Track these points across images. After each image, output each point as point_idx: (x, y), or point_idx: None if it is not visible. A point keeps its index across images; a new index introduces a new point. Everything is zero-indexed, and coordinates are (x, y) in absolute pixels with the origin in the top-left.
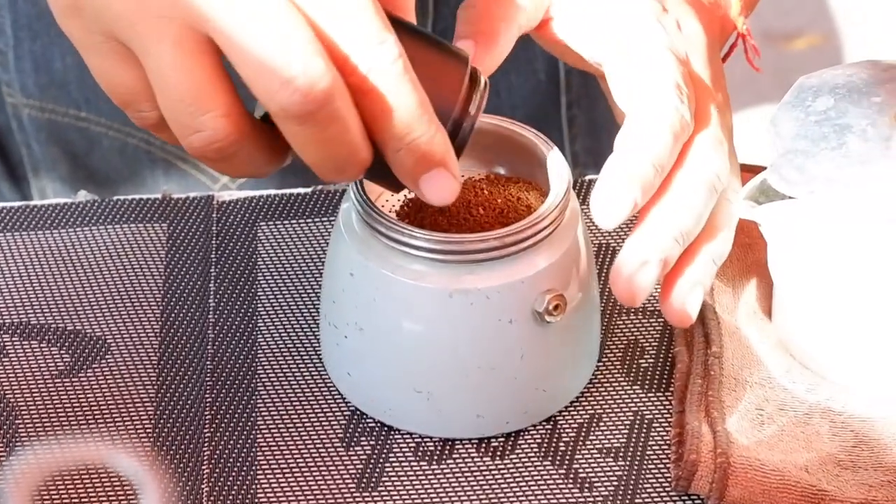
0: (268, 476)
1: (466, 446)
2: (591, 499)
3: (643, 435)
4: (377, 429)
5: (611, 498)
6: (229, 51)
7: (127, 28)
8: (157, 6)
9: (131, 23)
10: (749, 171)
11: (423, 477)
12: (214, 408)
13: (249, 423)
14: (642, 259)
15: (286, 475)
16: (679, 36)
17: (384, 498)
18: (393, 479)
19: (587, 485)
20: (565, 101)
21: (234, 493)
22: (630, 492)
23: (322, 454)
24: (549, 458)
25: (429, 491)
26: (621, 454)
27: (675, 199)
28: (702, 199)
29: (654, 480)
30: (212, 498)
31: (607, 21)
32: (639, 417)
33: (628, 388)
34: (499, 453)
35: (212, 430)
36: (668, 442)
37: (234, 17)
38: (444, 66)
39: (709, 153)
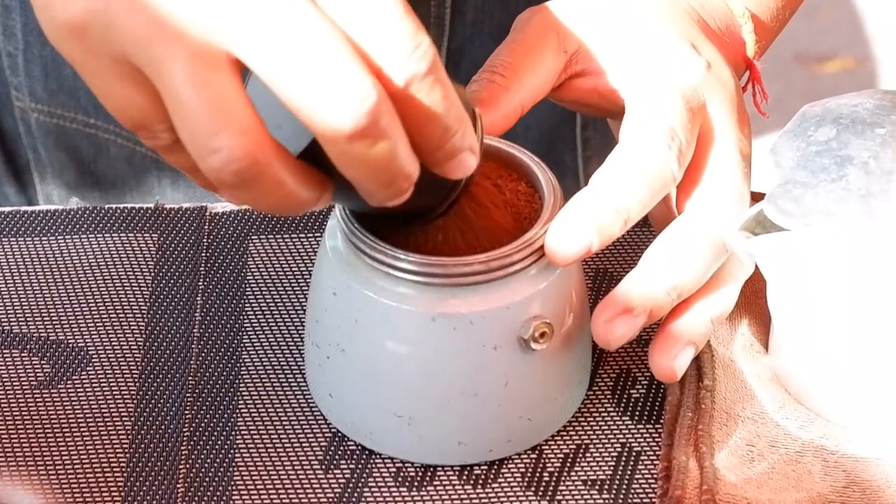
0: (243, 497)
1: (448, 473)
2: None
3: (630, 468)
4: (358, 452)
5: None
6: (262, 72)
7: (140, 49)
8: (172, 26)
9: (145, 42)
10: (753, 198)
11: (403, 503)
12: (194, 424)
13: (228, 442)
14: (626, 306)
15: (262, 496)
16: (704, 81)
17: None
18: None
19: None
20: (580, 122)
21: None
22: None
23: (300, 476)
24: (533, 489)
25: None
26: (606, 487)
27: (677, 252)
28: (706, 255)
29: None
30: None
31: (634, 65)
32: (626, 449)
33: (617, 418)
34: (481, 482)
35: (189, 447)
36: (655, 476)
37: (264, 35)
38: None
39: (725, 208)
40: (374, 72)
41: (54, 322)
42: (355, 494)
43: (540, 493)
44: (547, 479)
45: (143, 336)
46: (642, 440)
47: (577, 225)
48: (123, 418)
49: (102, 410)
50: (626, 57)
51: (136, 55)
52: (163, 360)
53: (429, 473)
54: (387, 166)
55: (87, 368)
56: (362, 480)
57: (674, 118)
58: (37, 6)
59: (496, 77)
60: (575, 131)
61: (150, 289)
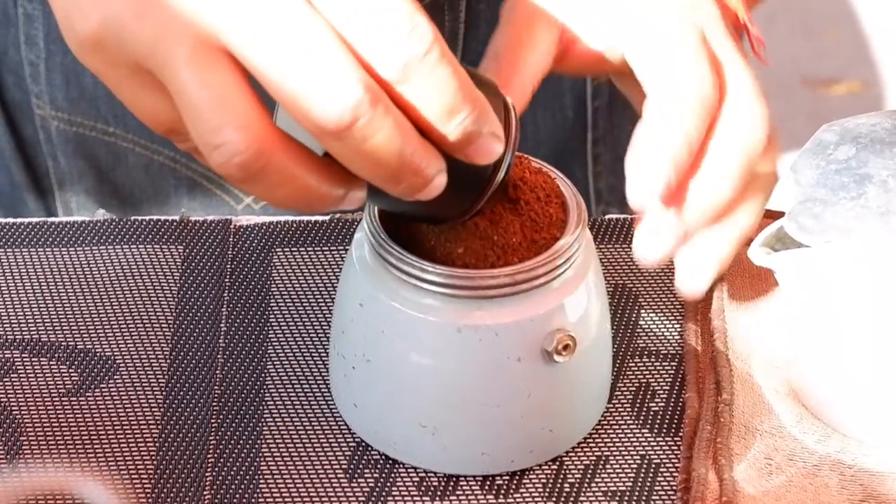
0: None
1: (471, 483)
2: None
3: (650, 479)
4: (381, 462)
5: None
6: (255, 70)
7: (149, 54)
8: (173, 27)
9: (151, 47)
10: (770, 216)
11: None
12: (220, 433)
13: (254, 451)
14: (665, 228)
15: None
16: (694, 12)
17: None
18: None
19: None
20: (591, 139)
21: None
22: None
23: (325, 485)
24: (554, 499)
25: None
26: (626, 498)
27: (713, 170)
28: (740, 166)
29: None
30: None
31: (626, 13)
32: (646, 461)
33: (637, 431)
34: (503, 492)
35: (216, 455)
36: (674, 487)
37: (257, 34)
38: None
39: (749, 116)
40: (369, 61)
41: (82, 331)
42: (379, 503)
43: None
44: (568, 489)
45: (170, 346)
46: (661, 452)
47: (652, 160)
48: (150, 426)
49: (129, 418)
50: (614, 8)
51: (147, 61)
52: (189, 369)
53: (451, 483)
54: (389, 160)
55: (115, 377)
56: (386, 489)
57: (688, 37)
58: (61, 25)
59: (501, 62)
60: (586, 147)
61: (176, 299)
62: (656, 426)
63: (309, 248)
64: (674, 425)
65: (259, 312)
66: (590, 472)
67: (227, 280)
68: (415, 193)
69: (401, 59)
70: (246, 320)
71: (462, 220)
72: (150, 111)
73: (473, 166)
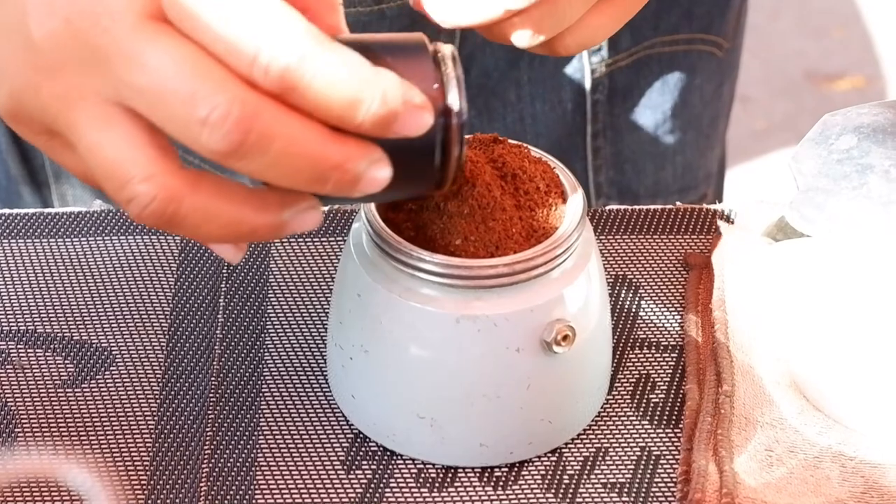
0: (265, 496)
1: (469, 475)
2: None
3: (649, 471)
4: (379, 453)
5: None
6: (146, 115)
7: (55, 120)
8: (73, 90)
9: (54, 115)
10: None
11: None
12: (216, 425)
13: (251, 442)
14: None
15: (285, 496)
16: None
17: None
18: None
19: None
20: (591, 132)
21: None
22: None
23: (322, 476)
24: (553, 491)
25: None
26: (626, 489)
27: None
28: None
29: None
30: None
31: None
32: (646, 453)
33: (637, 422)
34: (501, 483)
35: (212, 447)
36: (674, 479)
37: (137, 85)
38: (404, 67)
39: None
40: (251, 79)
41: (78, 322)
42: (377, 495)
43: (560, 496)
44: (567, 481)
45: (167, 337)
46: (661, 444)
47: None
48: (147, 418)
49: (126, 410)
50: None
51: (56, 126)
52: (186, 360)
53: (450, 475)
54: (300, 163)
55: (111, 368)
56: (384, 481)
57: None
58: None
59: None
60: (585, 141)
61: (174, 290)
62: (656, 418)
63: (307, 239)
64: (674, 417)
65: (257, 303)
66: (589, 463)
67: (224, 271)
68: (350, 189)
69: (277, 71)
70: (243, 311)
71: (445, 189)
72: (76, 170)
73: (412, 139)
